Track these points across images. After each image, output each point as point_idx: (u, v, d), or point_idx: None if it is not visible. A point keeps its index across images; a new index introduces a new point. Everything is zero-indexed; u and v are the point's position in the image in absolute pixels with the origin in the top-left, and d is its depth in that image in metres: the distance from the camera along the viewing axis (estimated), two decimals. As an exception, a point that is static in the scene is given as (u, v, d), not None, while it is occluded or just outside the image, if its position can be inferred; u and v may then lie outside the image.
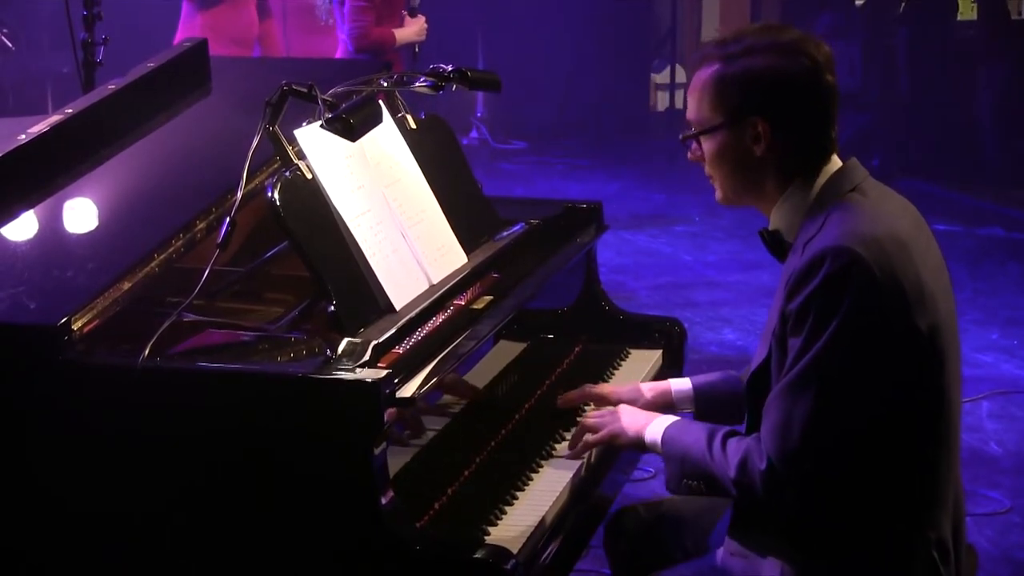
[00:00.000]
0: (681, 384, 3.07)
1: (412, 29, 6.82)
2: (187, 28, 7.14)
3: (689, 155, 2.64)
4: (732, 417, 2.92)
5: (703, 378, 3.07)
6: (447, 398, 2.94)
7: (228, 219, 2.66)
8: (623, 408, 2.84)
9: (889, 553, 2.49)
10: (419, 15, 6.87)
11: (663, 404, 3.05)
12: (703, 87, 2.56)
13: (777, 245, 2.61)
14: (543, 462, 2.89)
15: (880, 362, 2.40)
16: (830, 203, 2.51)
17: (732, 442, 2.54)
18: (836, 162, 2.58)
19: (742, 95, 2.52)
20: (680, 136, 2.64)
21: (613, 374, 3.44)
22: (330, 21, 7.60)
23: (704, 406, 3.03)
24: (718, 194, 2.64)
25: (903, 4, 11.03)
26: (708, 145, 2.58)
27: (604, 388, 3.12)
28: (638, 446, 2.76)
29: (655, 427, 2.72)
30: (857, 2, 11.90)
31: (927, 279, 2.46)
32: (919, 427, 2.47)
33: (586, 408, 3.18)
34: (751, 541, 2.59)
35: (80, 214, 2.97)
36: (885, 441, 2.44)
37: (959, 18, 11.34)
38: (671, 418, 2.73)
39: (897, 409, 2.43)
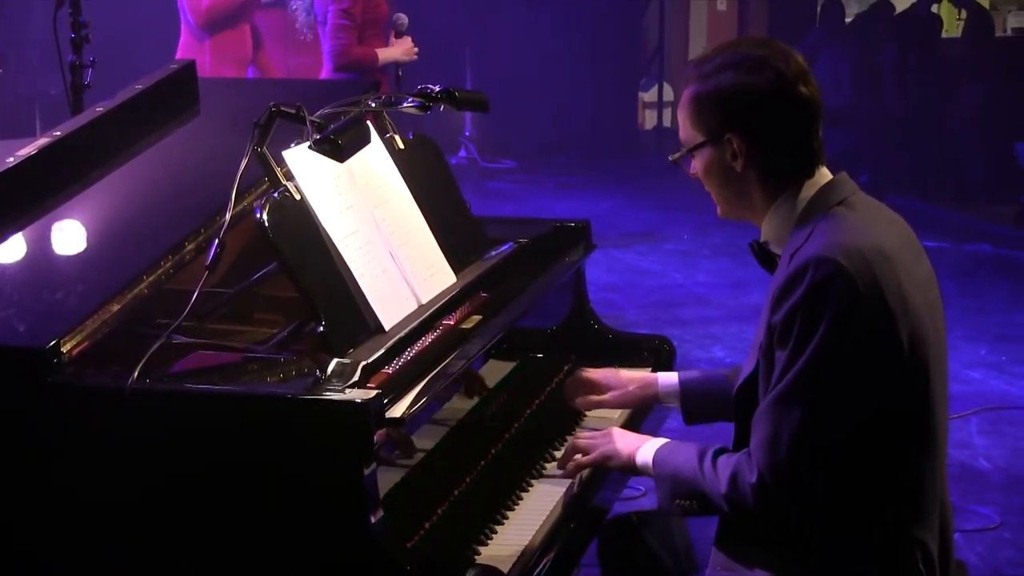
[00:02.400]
0: (668, 378, 3.13)
1: (398, 49, 6.82)
2: (191, 50, 7.17)
3: (689, 173, 2.67)
4: (718, 414, 2.95)
5: (690, 374, 3.13)
6: (437, 417, 2.94)
7: (217, 240, 2.66)
8: (615, 430, 2.85)
9: (875, 564, 2.50)
10: (405, 36, 6.87)
11: (649, 395, 3.12)
12: (684, 108, 2.62)
13: (767, 257, 2.63)
14: (533, 481, 2.90)
15: (865, 372, 2.41)
16: (817, 215, 2.53)
17: (722, 458, 2.55)
18: (825, 174, 2.60)
19: (716, 113, 2.56)
20: (669, 158, 2.68)
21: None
22: (309, 37, 7.63)
23: (690, 401, 3.07)
24: (718, 210, 2.69)
25: (890, 21, 11.08)
26: (697, 163, 2.63)
27: (596, 373, 3.21)
28: (629, 468, 2.77)
29: (646, 449, 2.72)
30: (846, 20, 11.97)
31: (910, 292, 2.47)
32: (903, 438, 2.48)
33: (577, 427, 3.19)
34: (738, 552, 2.60)
35: (69, 236, 2.97)
36: (871, 452, 2.45)
37: (944, 35, 11.40)
38: (661, 440, 2.74)
39: (882, 420, 2.44)
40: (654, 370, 3.60)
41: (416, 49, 6.87)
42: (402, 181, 3.08)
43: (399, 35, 6.85)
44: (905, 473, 2.50)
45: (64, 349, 2.50)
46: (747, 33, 12.91)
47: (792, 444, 2.41)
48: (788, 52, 2.57)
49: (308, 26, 7.23)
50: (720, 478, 2.52)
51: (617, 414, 3.26)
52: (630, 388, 3.15)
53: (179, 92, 3.55)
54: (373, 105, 3.10)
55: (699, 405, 3.05)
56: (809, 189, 2.57)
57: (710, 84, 2.55)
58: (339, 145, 2.73)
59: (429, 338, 2.84)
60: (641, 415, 3.30)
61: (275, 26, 8.32)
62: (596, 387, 3.19)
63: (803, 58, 2.58)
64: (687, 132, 2.62)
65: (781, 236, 2.58)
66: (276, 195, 2.74)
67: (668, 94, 13.71)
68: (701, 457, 2.58)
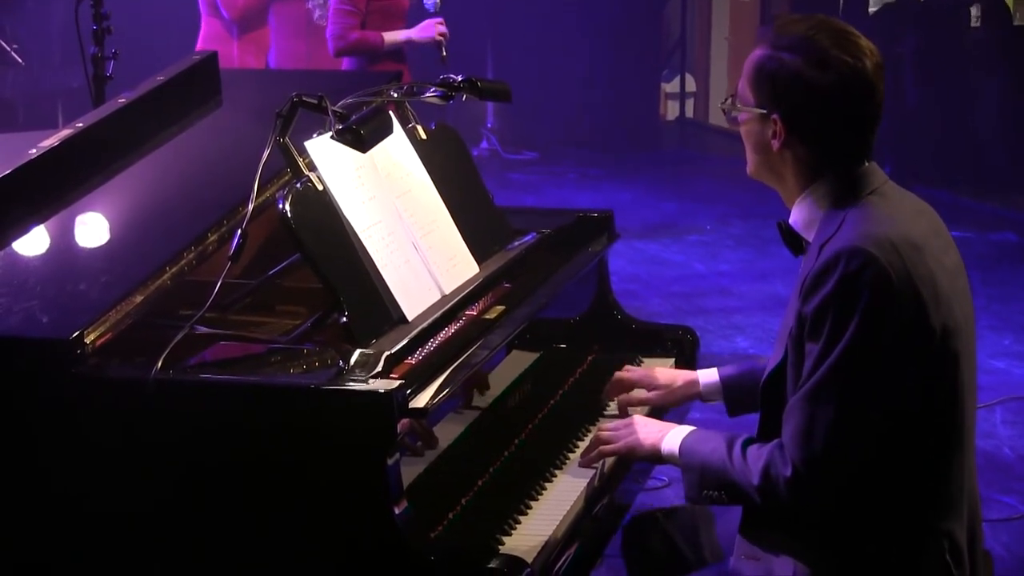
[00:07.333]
0: (708, 376, 3.10)
1: (412, 30, 6.72)
2: (219, 42, 7.12)
3: (734, 122, 2.66)
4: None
5: (728, 369, 3.10)
6: (461, 407, 2.94)
7: (239, 231, 2.67)
8: (637, 419, 2.84)
9: (902, 553, 2.49)
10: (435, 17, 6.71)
11: (692, 394, 3.11)
12: (748, 67, 2.57)
13: (792, 238, 2.61)
14: (557, 471, 2.89)
15: (897, 362, 2.40)
16: (848, 205, 2.51)
17: (752, 449, 2.54)
18: (864, 165, 2.58)
19: (769, 89, 2.53)
20: (720, 104, 2.66)
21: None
22: (323, 23, 7.61)
23: (733, 395, 3.05)
24: (748, 167, 2.66)
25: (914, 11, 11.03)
26: (740, 120, 2.61)
27: (635, 374, 3.19)
28: (654, 458, 2.76)
29: (671, 438, 2.71)
30: (871, 9, 11.91)
31: (942, 281, 2.46)
32: (933, 429, 2.47)
33: (601, 417, 3.18)
34: (763, 540, 2.59)
35: (92, 228, 2.97)
36: (902, 443, 2.44)
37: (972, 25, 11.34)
38: (687, 428, 2.73)
39: (913, 410, 2.43)
40: (677, 360, 3.60)
41: (438, 24, 6.68)
42: (424, 171, 3.08)
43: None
44: (934, 464, 2.49)
45: (87, 340, 2.51)
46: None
47: (826, 437, 2.40)
48: (863, 49, 2.49)
49: (326, 18, 7.21)
50: (752, 470, 2.50)
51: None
52: (675, 386, 3.12)
53: (201, 83, 3.56)
54: (395, 95, 3.10)
55: (742, 398, 3.03)
56: (843, 178, 2.54)
57: (775, 59, 2.51)
58: (361, 135, 2.73)
59: (452, 329, 2.84)
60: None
61: (292, 17, 8.29)
62: (635, 387, 3.18)
63: (882, 62, 2.52)
64: (743, 90, 2.59)
65: (811, 221, 2.56)
66: (299, 186, 2.74)
67: (690, 85, 13.68)
68: (730, 447, 2.56)
